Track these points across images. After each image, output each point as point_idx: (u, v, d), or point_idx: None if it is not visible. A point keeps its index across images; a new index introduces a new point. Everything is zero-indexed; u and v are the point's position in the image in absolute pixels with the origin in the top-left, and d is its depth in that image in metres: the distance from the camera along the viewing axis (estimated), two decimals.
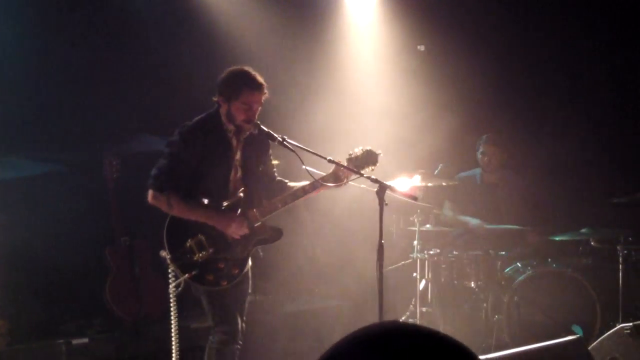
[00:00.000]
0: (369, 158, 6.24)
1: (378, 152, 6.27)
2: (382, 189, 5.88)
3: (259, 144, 6.42)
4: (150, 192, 6.11)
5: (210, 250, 6.08)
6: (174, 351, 6.26)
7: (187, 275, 5.99)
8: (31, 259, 8.72)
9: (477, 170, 9.64)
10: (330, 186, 6.24)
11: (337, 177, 6.22)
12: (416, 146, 10.21)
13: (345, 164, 6.16)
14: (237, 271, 6.22)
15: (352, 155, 6.23)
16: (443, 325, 8.73)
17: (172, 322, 6.23)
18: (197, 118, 6.30)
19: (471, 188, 9.56)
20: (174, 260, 6.01)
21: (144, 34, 9.72)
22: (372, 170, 6.21)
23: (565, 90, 10.74)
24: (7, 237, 8.65)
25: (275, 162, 6.80)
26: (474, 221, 9.24)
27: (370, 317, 7.37)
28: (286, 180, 6.58)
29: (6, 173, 9.07)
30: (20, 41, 8.95)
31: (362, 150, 6.26)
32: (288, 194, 6.34)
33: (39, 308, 8.74)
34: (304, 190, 6.27)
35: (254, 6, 10.14)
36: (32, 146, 9.31)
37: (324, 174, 6.23)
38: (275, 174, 6.61)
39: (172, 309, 6.17)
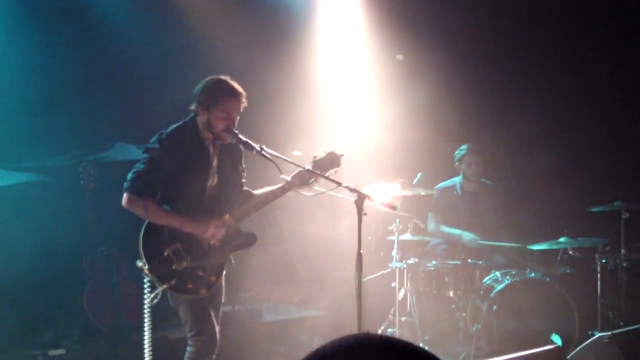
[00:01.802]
0: (332, 160, 6.29)
1: (340, 153, 6.32)
2: (360, 198, 5.88)
3: (234, 151, 6.42)
4: (125, 196, 6.05)
5: (188, 259, 6.04)
6: None
7: (166, 285, 5.94)
8: (7, 268, 8.65)
9: (456, 180, 9.65)
10: (304, 194, 6.26)
11: (302, 178, 6.24)
12: (394, 155, 10.23)
13: (310, 167, 6.19)
14: (214, 278, 6.20)
15: (317, 158, 6.27)
16: (422, 335, 8.73)
17: (146, 333, 6.19)
18: (174, 125, 6.27)
19: (452, 198, 9.57)
20: (151, 270, 5.96)
21: (121, 44, 9.69)
22: (336, 172, 6.27)
23: (542, 100, 10.78)
24: None
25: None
26: (467, 236, 9.24)
27: (349, 327, 7.36)
28: (252, 190, 6.57)
29: None
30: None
31: (324, 152, 6.30)
32: (259, 199, 6.35)
33: (14, 318, 8.68)
34: (274, 195, 6.30)
35: (232, 15, 10.14)
36: (9, 155, 9.26)
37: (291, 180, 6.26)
38: (244, 183, 6.60)
39: (146, 319, 6.12)
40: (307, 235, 10.06)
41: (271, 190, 6.31)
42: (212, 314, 6.25)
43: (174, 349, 7.32)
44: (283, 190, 6.28)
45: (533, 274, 8.72)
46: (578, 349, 6.91)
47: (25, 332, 8.73)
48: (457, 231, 9.36)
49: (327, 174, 6.20)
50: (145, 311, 6.09)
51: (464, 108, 10.64)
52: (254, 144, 6.10)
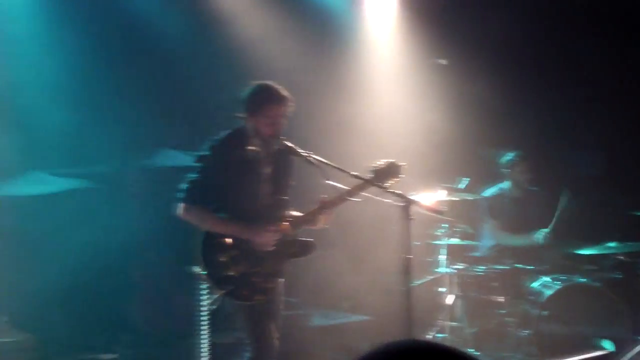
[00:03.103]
0: (392, 170, 6.22)
1: (401, 163, 6.25)
2: (407, 203, 5.86)
3: (287, 158, 6.40)
4: (181, 206, 6.11)
5: (245, 265, 6.06)
6: None
7: (223, 290, 5.97)
8: (59, 273, 8.75)
9: (503, 185, 9.57)
10: (355, 200, 6.22)
11: (352, 195, 6.20)
12: (439, 160, 10.18)
13: (369, 176, 6.14)
14: (271, 285, 6.20)
15: (377, 168, 6.21)
16: (471, 340, 8.68)
17: (203, 338, 6.23)
18: (226, 132, 6.30)
19: (501, 203, 9.50)
20: (208, 276, 6.00)
21: (169, 51, 9.76)
22: (396, 182, 6.18)
23: (587, 104, 10.68)
24: (34, 252, 8.71)
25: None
26: (538, 233, 9.12)
27: (397, 332, 7.34)
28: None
29: (33, 189, 9.14)
30: (44, 58, 9.02)
31: (385, 162, 6.23)
32: (317, 207, 6.33)
33: (67, 323, 8.77)
34: (332, 203, 6.26)
35: (276, 21, 10.15)
36: (58, 162, 9.36)
37: (348, 188, 6.21)
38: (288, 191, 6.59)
39: (203, 324, 6.17)
40: (355, 240, 10.05)
41: (330, 200, 6.28)
42: (272, 319, 6.26)
43: (229, 353, 7.36)
44: (341, 199, 6.24)
45: (583, 279, 8.65)
46: (629, 354, 6.84)
47: (77, 337, 8.82)
48: (521, 237, 9.28)
49: (386, 184, 6.13)
50: (202, 316, 6.13)
51: (510, 113, 10.56)
52: (300, 150, 6.10)
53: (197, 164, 6.19)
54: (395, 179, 6.19)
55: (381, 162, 6.24)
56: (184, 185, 6.14)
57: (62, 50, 9.10)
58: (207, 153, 6.19)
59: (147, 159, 9.82)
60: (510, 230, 9.39)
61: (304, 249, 6.36)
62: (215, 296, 6.00)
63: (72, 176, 9.52)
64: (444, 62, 11.16)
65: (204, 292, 6.07)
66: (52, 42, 9.08)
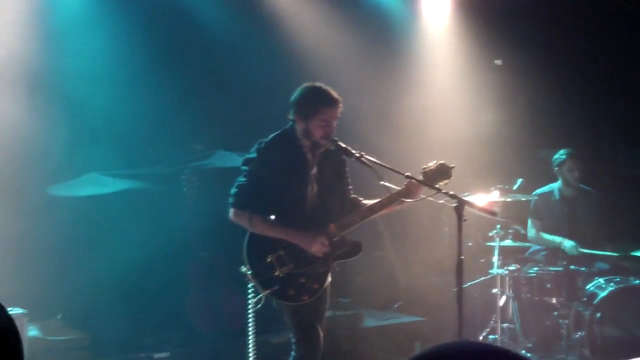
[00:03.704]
0: (443, 171, 6.17)
1: (452, 165, 6.21)
2: (460, 204, 5.83)
3: (335, 159, 6.40)
4: (231, 210, 6.15)
5: (291, 266, 6.08)
6: None
7: (268, 290, 6.00)
8: (113, 273, 8.84)
9: (555, 186, 9.50)
10: (408, 202, 6.19)
11: (409, 193, 6.15)
12: (493, 160, 10.14)
13: (420, 177, 6.11)
14: (317, 286, 6.20)
15: (426, 169, 6.18)
16: (524, 342, 8.64)
17: (250, 337, 6.26)
18: (273, 135, 6.31)
19: (551, 204, 9.44)
20: (254, 275, 6.04)
21: (224, 52, 9.83)
22: (446, 183, 6.15)
23: None
24: (89, 252, 8.81)
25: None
26: (567, 243, 9.09)
27: (450, 333, 7.32)
28: (360, 198, 6.53)
29: (88, 190, 9.25)
30: (102, 60, 9.12)
31: (435, 163, 6.20)
32: (366, 208, 6.31)
33: (120, 322, 8.84)
34: (381, 204, 6.23)
35: (330, 22, 10.17)
36: (114, 163, 9.46)
37: (400, 189, 6.19)
38: (351, 191, 6.57)
39: (250, 324, 6.19)
40: (406, 241, 10.04)
41: (379, 200, 6.25)
42: (318, 319, 6.27)
43: (277, 352, 7.40)
44: (390, 201, 6.21)
45: (637, 281, 8.55)
46: None
47: (129, 335, 8.89)
48: (558, 238, 9.22)
49: (436, 186, 6.11)
50: (249, 316, 6.16)
51: (563, 113, 10.48)
52: (353, 151, 6.10)
53: (245, 167, 6.22)
54: (445, 181, 6.15)
55: (431, 163, 6.21)
56: (233, 190, 6.18)
57: (119, 53, 9.19)
58: (253, 156, 6.22)
59: (201, 160, 9.89)
60: (550, 231, 9.32)
61: (351, 250, 6.35)
62: (261, 296, 6.02)
63: (128, 177, 9.62)
64: (499, 62, 11.11)
65: (251, 291, 6.08)
66: (110, 45, 9.18)
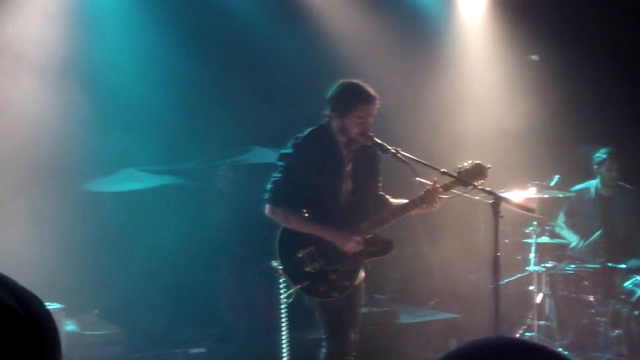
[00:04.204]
0: (479, 171, 6.14)
1: (487, 165, 6.18)
2: (497, 201, 5.81)
3: (370, 156, 6.38)
4: (267, 206, 6.16)
5: (322, 262, 6.07)
6: None
7: (298, 285, 6.01)
8: (149, 268, 8.89)
9: (592, 183, 9.42)
10: (441, 198, 6.17)
11: (425, 199, 6.13)
12: (530, 157, 10.08)
13: (454, 175, 6.09)
14: (348, 283, 6.19)
15: (462, 169, 6.15)
16: (560, 339, 8.58)
17: (283, 332, 6.27)
18: (308, 130, 6.30)
19: (585, 202, 9.37)
20: (285, 270, 6.04)
21: (260, 49, 9.85)
22: (482, 183, 6.12)
23: None
24: (125, 248, 8.87)
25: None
26: (573, 241, 9.07)
27: (485, 330, 7.29)
28: (387, 196, 6.52)
29: (125, 185, 9.31)
30: (141, 55, 9.18)
31: (471, 163, 6.17)
32: (399, 206, 6.29)
33: (156, 317, 8.89)
34: (414, 203, 6.21)
35: (365, 17, 10.16)
36: (150, 159, 9.52)
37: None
38: (380, 188, 6.56)
39: (283, 319, 6.20)
40: (442, 238, 10.01)
41: (412, 199, 6.23)
42: (349, 316, 6.26)
43: (312, 349, 7.39)
44: (422, 201, 6.19)
45: None
46: None
47: (166, 330, 8.94)
48: (573, 238, 9.18)
49: (476, 185, 6.08)
50: (282, 311, 6.17)
51: (603, 109, 10.39)
52: (389, 147, 6.08)
53: (280, 163, 6.22)
54: (480, 181, 6.12)
55: (467, 163, 6.18)
56: (268, 186, 6.19)
57: (157, 48, 9.25)
58: (289, 151, 6.22)
59: (237, 156, 9.92)
60: (581, 228, 9.26)
61: (383, 248, 6.32)
62: (292, 291, 6.02)
63: (164, 173, 9.67)
64: (535, 58, 11.04)
65: (282, 286, 6.09)
66: (149, 40, 9.23)
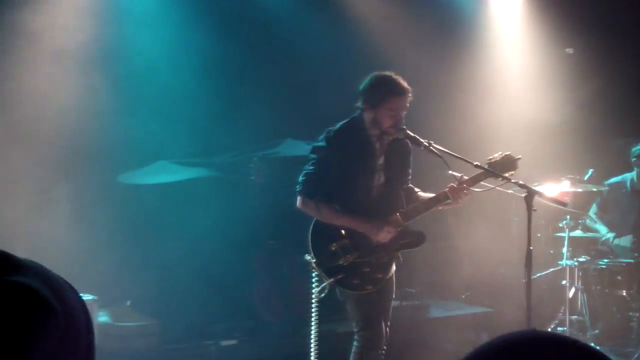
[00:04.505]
0: (509, 163, 6.11)
1: (517, 156, 6.15)
2: (530, 194, 5.78)
3: (402, 148, 6.38)
4: (299, 199, 6.17)
5: (355, 254, 6.07)
6: (312, 355, 6.30)
7: (332, 279, 6.01)
8: (182, 261, 8.93)
9: (628, 176, 9.34)
10: (473, 191, 6.15)
11: (450, 196, 6.11)
12: (564, 150, 10.02)
13: (486, 168, 6.06)
14: (381, 275, 6.19)
15: (492, 160, 6.13)
16: (593, 334, 8.53)
17: (313, 325, 6.27)
18: (341, 123, 6.30)
19: (620, 195, 9.29)
20: (318, 264, 6.05)
21: (291, 42, 9.85)
22: (512, 174, 6.09)
23: None
24: (157, 240, 8.91)
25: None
26: (604, 233, 9.01)
27: (517, 325, 7.26)
28: (416, 189, 6.50)
29: (158, 177, 9.36)
30: (173, 51, 9.22)
31: (501, 154, 6.15)
32: (430, 199, 6.28)
33: (189, 309, 8.93)
34: (445, 195, 6.19)
35: (399, 11, 10.14)
36: (183, 151, 9.56)
37: (469, 178, 6.14)
38: (409, 180, 6.55)
39: (313, 313, 6.21)
40: (474, 231, 9.97)
41: (444, 191, 6.21)
42: (381, 309, 6.26)
43: (342, 342, 7.39)
44: (447, 195, 6.18)
45: None
46: None
47: (199, 322, 8.98)
48: (603, 229, 9.12)
49: (509, 177, 6.05)
50: (313, 304, 6.18)
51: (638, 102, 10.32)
52: (422, 140, 6.08)
53: (312, 156, 6.23)
54: (510, 172, 6.10)
55: (497, 154, 6.16)
56: (300, 178, 6.19)
57: (192, 45, 9.30)
58: (321, 144, 6.22)
59: (270, 149, 9.94)
60: (615, 221, 9.19)
61: (415, 240, 6.32)
62: (325, 284, 6.02)
63: (197, 165, 9.71)
64: (570, 50, 10.96)
65: (315, 279, 6.10)
66: (183, 34, 9.28)
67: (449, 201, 6.12)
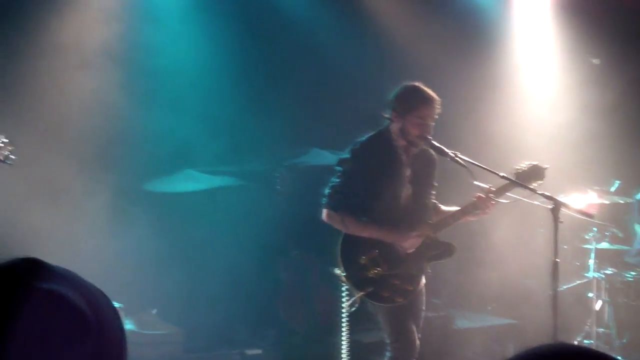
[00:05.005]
0: (536, 173, 6.11)
1: (545, 166, 6.13)
2: (557, 206, 5.76)
3: (428, 160, 6.38)
4: (324, 212, 6.17)
5: (384, 267, 6.07)
6: None
7: (362, 292, 6.01)
8: (207, 269, 8.94)
9: None
10: (501, 202, 6.14)
11: (478, 206, 6.10)
12: (589, 162, 9.96)
13: (512, 179, 6.06)
14: (411, 287, 6.19)
15: (519, 170, 6.11)
16: (620, 348, 8.48)
17: (343, 338, 6.27)
18: (367, 135, 6.31)
19: None
20: (348, 277, 6.04)
21: (318, 51, 9.87)
22: (540, 184, 6.07)
23: None
24: (184, 248, 8.94)
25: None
26: None
27: (544, 337, 7.22)
28: (440, 204, 6.50)
29: (184, 186, 9.39)
30: (198, 58, 9.26)
31: (528, 164, 6.13)
32: (458, 210, 6.28)
33: (214, 318, 8.94)
34: (474, 206, 6.19)
35: (424, 20, 10.13)
36: (209, 159, 9.59)
37: (495, 189, 6.13)
38: (434, 194, 6.53)
39: (343, 325, 6.21)
40: (500, 242, 9.93)
41: (471, 202, 6.20)
42: (413, 321, 6.25)
43: (369, 352, 7.40)
44: (477, 206, 6.17)
45: None
46: None
47: (223, 331, 8.99)
48: None
49: (534, 188, 6.03)
50: (342, 317, 6.17)
51: None
52: (447, 150, 6.07)
53: (338, 168, 6.23)
54: (538, 182, 6.08)
55: (524, 164, 6.14)
56: (326, 191, 6.20)
57: (219, 54, 9.34)
58: (347, 156, 6.23)
59: (297, 158, 9.95)
60: None
61: (444, 251, 6.31)
62: (356, 298, 6.02)
63: (222, 174, 9.73)
64: (597, 61, 10.90)
65: (345, 293, 6.10)
66: (211, 43, 9.33)
67: (477, 211, 6.11)
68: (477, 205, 6.10)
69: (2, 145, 6.24)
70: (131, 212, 8.96)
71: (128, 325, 8.54)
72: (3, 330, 1.34)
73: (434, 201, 6.51)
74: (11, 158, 6.34)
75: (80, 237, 8.35)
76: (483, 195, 6.05)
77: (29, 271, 1.43)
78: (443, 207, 6.45)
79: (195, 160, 9.61)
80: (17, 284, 1.40)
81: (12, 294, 1.38)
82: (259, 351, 8.77)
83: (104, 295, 1.54)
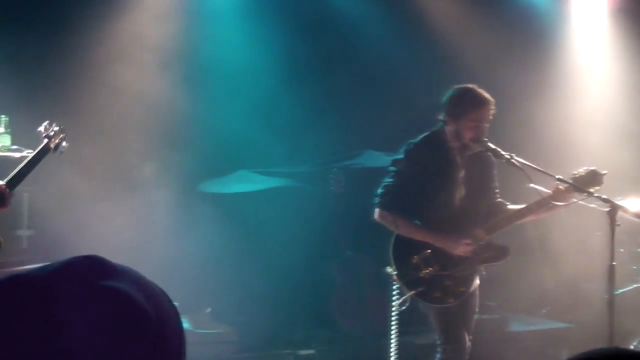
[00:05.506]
0: (594, 178, 6.04)
1: (603, 172, 6.07)
2: (613, 209, 5.71)
3: (483, 162, 6.35)
4: (377, 211, 6.18)
5: (436, 267, 6.05)
6: None
7: (413, 291, 6.00)
8: (261, 270, 8.98)
9: None
10: (557, 206, 6.09)
11: (556, 199, 6.04)
12: None
13: (570, 182, 6.01)
14: (464, 289, 6.17)
15: (576, 175, 6.06)
16: None
17: (393, 338, 6.27)
18: (422, 136, 6.31)
19: None
20: (400, 277, 6.04)
21: (372, 53, 9.88)
22: (597, 190, 6.01)
23: None
24: (238, 248, 8.98)
25: None
26: None
27: (599, 341, 7.15)
28: (507, 203, 6.45)
29: (238, 187, 9.44)
30: (253, 59, 9.32)
31: (586, 170, 6.08)
32: (514, 212, 6.24)
33: (267, 317, 8.97)
34: (529, 209, 6.15)
35: (478, 21, 10.09)
36: (262, 161, 9.63)
37: (551, 192, 6.09)
38: (497, 194, 6.50)
39: (393, 325, 6.21)
40: (556, 245, 9.85)
41: (528, 205, 6.17)
42: (465, 322, 6.23)
43: (421, 353, 7.37)
44: (539, 207, 6.12)
45: None
46: None
47: (276, 331, 9.01)
48: None
49: (592, 192, 5.98)
50: (393, 317, 6.17)
51: None
52: (503, 152, 6.04)
53: (392, 169, 6.23)
54: (595, 188, 6.02)
55: (582, 169, 6.09)
56: (379, 190, 6.20)
57: (274, 54, 9.39)
58: (401, 157, 6.23)
59: (350, 160, 9.96)
60: None
61: (498, 254, 6.28)
62: (406, 297, 6.02)
63: (277, 175, 9.77)
64: None
65: (396, 292, 6.09)
66: (266, 43, 9.39)
67: (547, 206, 6.05)
68: (541, 204, 6.05)
69: (53, 133, 6.25)
70: (188, 212, 9.04)
71: (183, 323, 8.60)
72: (66, 328, 1.36)
73: (500, 200, 6.47)
74: (63, 146, 6.35)
75: (137, 236, 8.43)
76: (562, 187, 5.99)
77: (91, 269, 1.45)
78: (510, 207, 6.41)
79: (250, 161, 9.67)
80: (80, 281, 1.42)
81: (74, 292, 1.41)
82: (311, 351, 8.78)
83: (164, 294, 1.56)
